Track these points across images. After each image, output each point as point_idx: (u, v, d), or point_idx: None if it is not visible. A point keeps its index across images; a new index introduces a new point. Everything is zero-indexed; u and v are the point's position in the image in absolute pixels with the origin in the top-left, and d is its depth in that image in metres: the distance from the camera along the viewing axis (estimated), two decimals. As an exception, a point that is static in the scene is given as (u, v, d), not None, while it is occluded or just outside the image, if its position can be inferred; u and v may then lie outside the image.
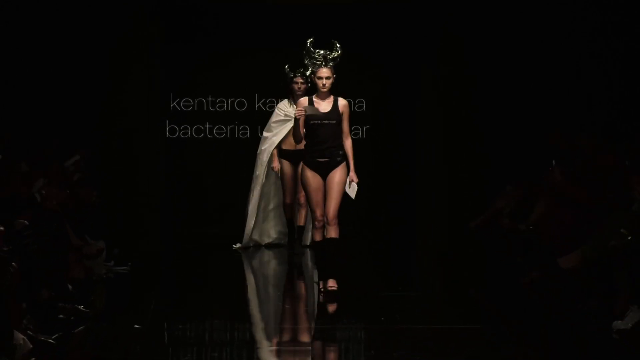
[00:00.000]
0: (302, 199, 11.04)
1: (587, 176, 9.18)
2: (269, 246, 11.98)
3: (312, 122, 8.83)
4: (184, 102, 13.14)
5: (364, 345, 7.76)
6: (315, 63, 8.79)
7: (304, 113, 8.78)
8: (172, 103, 13.10)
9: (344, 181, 8.79)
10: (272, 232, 12.00)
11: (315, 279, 9.42)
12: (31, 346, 6.39)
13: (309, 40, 8.79)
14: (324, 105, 8.87)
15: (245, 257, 11.51)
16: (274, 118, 11.48)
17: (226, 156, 13.18)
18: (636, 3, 11.35)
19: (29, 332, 6.64)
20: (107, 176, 11.55)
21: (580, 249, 8.33)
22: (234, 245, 11.79)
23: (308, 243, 11.49)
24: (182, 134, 13.20)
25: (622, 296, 7.64)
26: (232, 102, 13.21)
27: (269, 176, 11.65)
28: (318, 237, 8.87)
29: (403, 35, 12.80)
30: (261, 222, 11.87)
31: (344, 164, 8.86)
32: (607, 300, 7.84)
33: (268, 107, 13.04)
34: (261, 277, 10.97)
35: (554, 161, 9.71)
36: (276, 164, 11.41)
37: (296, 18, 12.71)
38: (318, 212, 8.81)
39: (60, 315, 7.67)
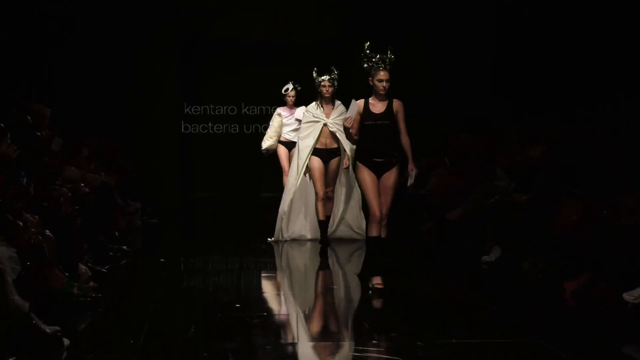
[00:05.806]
0: (330, 193, 8.81)
1: (465, 157, 9.19)
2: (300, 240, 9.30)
3: (366, 122, 6.91)
4: (194, 108, 12.92)
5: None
6: (375, 66, 6.87)
7: (352, 122, 6.88)
8: (186, 109, 12.89)
9: (397, 184, 6.93)
10: (303, 229, 9.20)
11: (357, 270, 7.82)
12: (90, 274, 6.44)
13: (366, 44, 6.87)
14: (379, 107, 6.94)
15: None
16: (304, 120, 8.83)
17: (223, 146, 13.03)
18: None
19: (88, 264, 6.70)
20: (143, 158, 11.47)
21: (461, 207, 8.50)
22: (269, 239, 9.10)
23: (337, 234, 9.19)
24: (193, 131, 12.95)
25: (489, 239, 7.77)
26: (226, 108, 12.93)
27: (302, 179, 8.91)
28: (374, 232, 6.95)
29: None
30: (294, 219, 9.14)
31: (398, 165, 6.96)
32: (479, 241, 7.96)
33: (250, 112, 12.84)
34: (255, 226, 10.29)
35: (446, 159, 9.56)
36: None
37: (267, 47, 12.54)
38: (375, 208, 6.90)
39: (110, 253, 7.68)
